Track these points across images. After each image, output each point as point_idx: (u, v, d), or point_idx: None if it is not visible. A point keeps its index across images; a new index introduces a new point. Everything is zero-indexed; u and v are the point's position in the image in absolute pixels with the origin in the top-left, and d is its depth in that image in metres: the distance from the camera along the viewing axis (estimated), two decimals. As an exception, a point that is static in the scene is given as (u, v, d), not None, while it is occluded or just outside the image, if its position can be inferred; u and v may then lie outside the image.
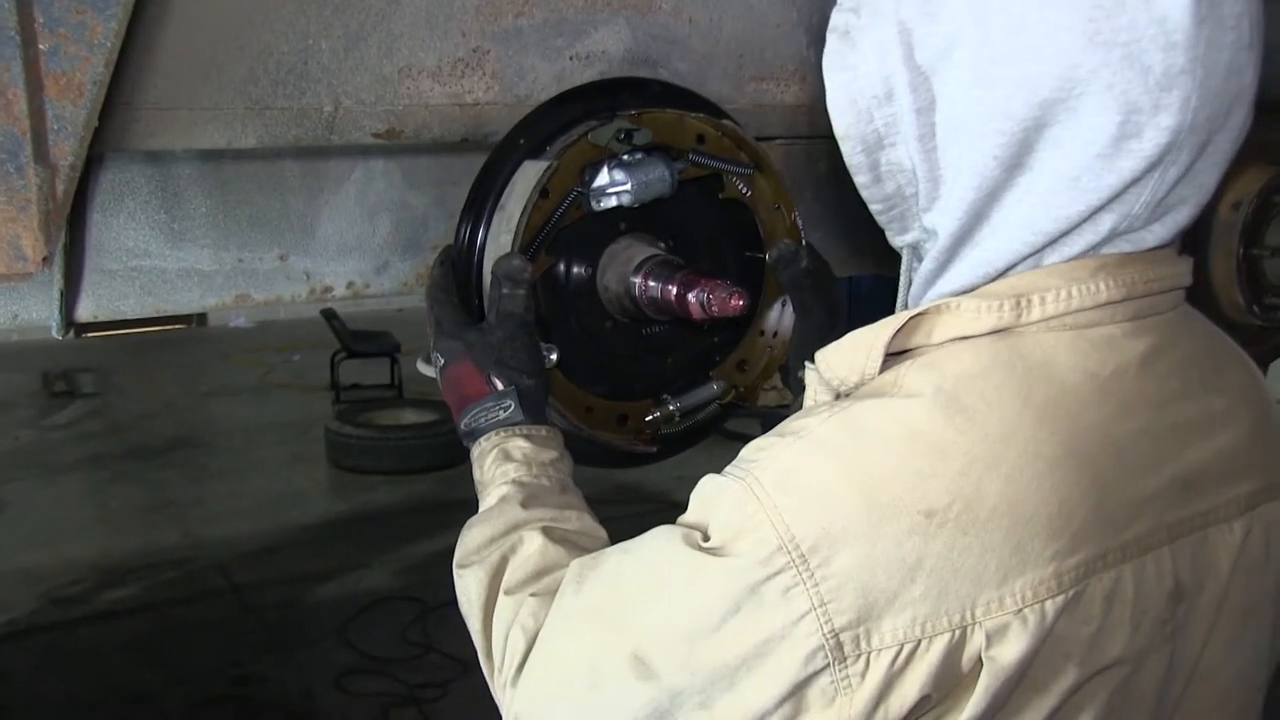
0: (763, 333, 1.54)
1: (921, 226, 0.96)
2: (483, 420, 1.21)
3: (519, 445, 1.19)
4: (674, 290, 1.31)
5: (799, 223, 1.48)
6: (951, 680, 0.83)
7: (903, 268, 1.01)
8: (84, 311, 1.36)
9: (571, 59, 1.46)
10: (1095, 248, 0.89)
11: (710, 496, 0.91)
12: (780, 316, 1.54)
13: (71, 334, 1.38)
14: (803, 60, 1.65)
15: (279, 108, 1.28)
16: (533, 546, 1.08)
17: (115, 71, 1.06)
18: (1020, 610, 0.83)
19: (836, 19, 0.95)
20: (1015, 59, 0.84)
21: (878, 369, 0.90)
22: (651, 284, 1.34)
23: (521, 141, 1.35)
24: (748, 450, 0.91)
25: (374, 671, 4.85)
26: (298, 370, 10.79)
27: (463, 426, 1.23)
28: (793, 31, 1.64)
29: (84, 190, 1.30)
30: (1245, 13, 0.84)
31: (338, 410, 8.48)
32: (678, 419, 1.49)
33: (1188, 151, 0.86)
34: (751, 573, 0.83)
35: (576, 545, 1.10)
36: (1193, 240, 2.10)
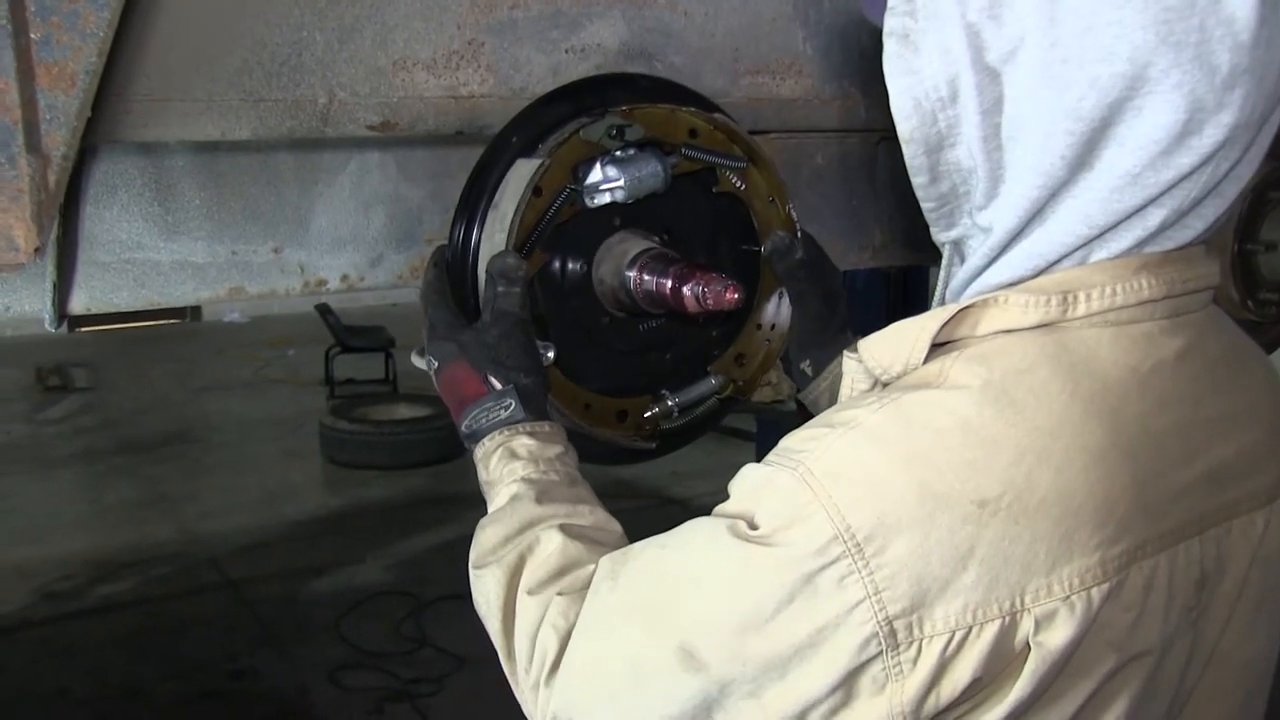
0: (760, 326, 1.54)
1: (973, 223, 0.96)
2: (484, 421, 1.20)
3: (524, 442, 1.17)
4: (669, 283, 1.30)
5: (794, 214, 1.47)
6: (1000, 665, 0.85)
7: (944, 262, 1.02)
8: (77, 304, 1.35)
9: (567, 52, 1.46)
10: (1142, 244, 0.91)
11: (756, 486, 0.91)
12: (778, 309, 1.53)
13: (65, 327, 1.37)
14: (799, 54, 1.65)
15: (273, 99, 1.27)
16: (552, 545, 1.07)
17: (108, 62, 1.05)
18: (1068, 597, 0.85)
19: (893, 22, 0.95)
20: (1087, 60, 0.85)
21: (922, 359, 0.92)
22: (646, 277, 1.34)
23: (514, 140, 1.34)
24: (793, 440, 0.91)
25: (368, 666, 4.85)
26: (292, 365, 10.78)
27: (464, 429, 1.22)
28: (789, 25, 1.63)
29: (77, 182, 1.30)
30: None
31: (332, 405, 8.49)
32: (676, 414, 1.48)
33: (1239, 147, 0.88)
34: (806, 562, 0.84)
35: (594, 541, 1.09)
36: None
